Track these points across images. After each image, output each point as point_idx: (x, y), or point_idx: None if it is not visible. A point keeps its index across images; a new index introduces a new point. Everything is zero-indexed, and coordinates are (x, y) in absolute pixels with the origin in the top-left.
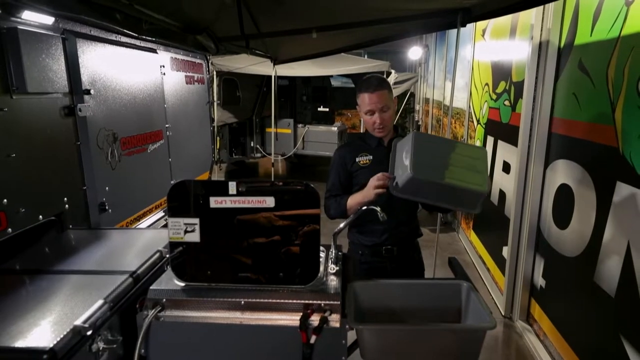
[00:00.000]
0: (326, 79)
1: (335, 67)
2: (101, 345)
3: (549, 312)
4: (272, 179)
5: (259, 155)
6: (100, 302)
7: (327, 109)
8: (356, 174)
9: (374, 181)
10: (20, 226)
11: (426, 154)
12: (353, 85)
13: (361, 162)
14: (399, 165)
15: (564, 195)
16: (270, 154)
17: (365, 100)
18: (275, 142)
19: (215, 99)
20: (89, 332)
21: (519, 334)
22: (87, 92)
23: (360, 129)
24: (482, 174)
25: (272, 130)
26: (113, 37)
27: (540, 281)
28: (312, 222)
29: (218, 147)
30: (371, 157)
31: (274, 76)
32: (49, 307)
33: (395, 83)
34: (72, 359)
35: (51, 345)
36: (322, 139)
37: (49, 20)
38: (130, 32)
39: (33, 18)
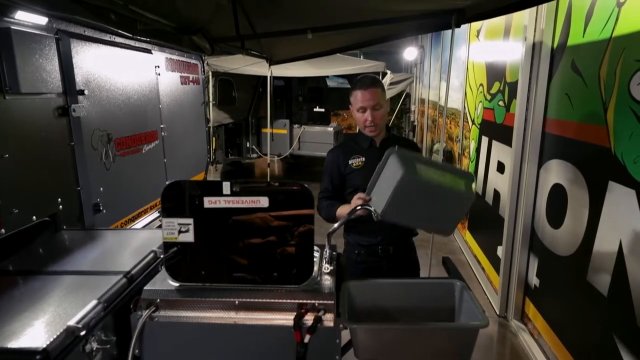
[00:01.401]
0: (322, 79)
1: (331, 68)
2: (95, 345)
3: (543, 311)
4: (268, 180)
5: (255, 155)
6: (94, 302)
7: (323, 110)
8: (349, 176)
9: (355, 202)
10: (14, 227)
11: (405, 198)
12: (349, 86)
13: (354, 165)
14: (378, 189)
15: (558, 195)
16: (266, 155)
17: (357, 97)
18: (271, 143)
19: (211, 99)
20: (83, 333)
21: (513, 333)
22: (81, 92)
23: (356, 129)
24: (458, 214)
25: (268, 130)
26: (107, 37)
27: (534, 280)
28: (307, 222)
29: (214, 147)
30: (363, 160)
31: (270, 77)
32: (43, 307)
33: (390, 83)
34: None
35: (44, 346)
36: (318, 139)
37: (42, 20)
38: (125, 33)
39: (26, 18)
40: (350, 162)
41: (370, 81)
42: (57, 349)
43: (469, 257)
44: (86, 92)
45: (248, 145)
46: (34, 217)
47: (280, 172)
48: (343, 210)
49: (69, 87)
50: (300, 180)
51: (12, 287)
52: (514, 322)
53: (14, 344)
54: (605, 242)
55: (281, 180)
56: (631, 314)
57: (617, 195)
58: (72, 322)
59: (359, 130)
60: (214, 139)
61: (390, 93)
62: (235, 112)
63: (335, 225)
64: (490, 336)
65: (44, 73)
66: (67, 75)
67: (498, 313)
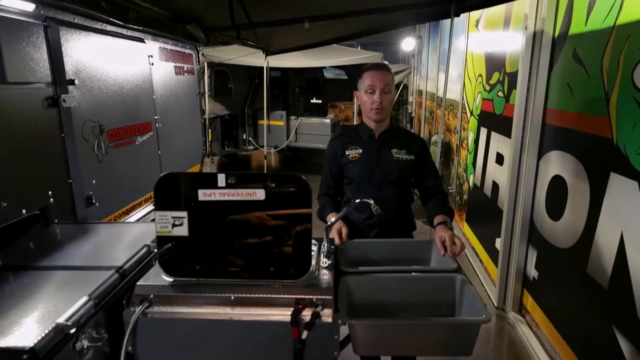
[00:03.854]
0: (319, 70)
1: (327, 59)
2: (85, 343)
3: (542, 303)
4: (265, 172)
5: (251, 147)
6: (84, 298)
7: (319, 101)
8: (346, 167)
9: (335, 231)
10: (3, 221)
11: None
12: (346, 77)
13: (350, 156)
14: None
15: (557, 187)
16: (262, 147)
17: (367, 78)
18: (268, 135)
19: (206, 90)
20: (73, 330)
21: (511, 325)
22: (72, 82)
23: (353, 121)
24: None
25: (265, 122)
26: (98, 25)
27: (533, 272)
28: (304, 221)
29: (210, 139)
30: (361, 151)
31: (266, 67)
32: (31, 304)
33: None
34: (54, 358)
35: (32, 345)
36: (315, 131)
37: (29, 7)
38: (116, 21)
39: (12, 4)
40: (347, 152)
41: (383, 65)
42: (46, 348)
43: (467, 249)
44: (77, 81)
45: (244, 137)
46: (24, 211)
47: (277, 164)
48: (331, 219)
49: (59, 76)
50: (297, 172)
51: (1, 283)
52: (512, 314)
53: (0, 343)
54: (606, 235)
55: (278, 172)
56: (632, 306)
57: (618, 187)
58: (61, 320)
59: (361, 120)
60: (209, 130)
61: None
62: (232, 103)
63: (333, 218)
64: (488, 328)
65: (31, 62)
66: (56, 65)
67: (496, 305)
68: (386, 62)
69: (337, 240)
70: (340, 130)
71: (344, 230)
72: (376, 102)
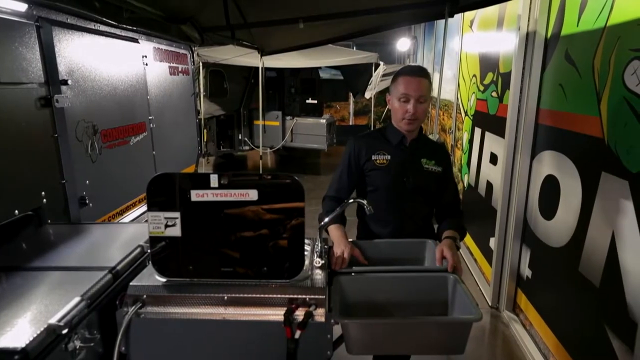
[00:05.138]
0: (315, 70)
1: (323, 59)
2: (78, 343)
3: (535, 302)
4: (260, 172)
5: (247, 148)
6: (76, 299)
7: (315, 101)
8: (370, 173)
9: (339, 257)
10: None
11: None
12: (342, 77)
13: (377, 162)
14: None
15: (550, 187)
16: (258, 147)
17: (402, 84)
18: (264, 135)
19: (201, 90)
20: (65, 331)
21: (505, 324)
22: (65, 82)
23: (349, 121)
24: None
25: (260, 122)
26: (92, 25)
27: (526, 271)
28: (297, 215)
29: (205, 139)
30: (389, 158)
31: (262, 68)
32: (24, 305)
33: (383, 75)
34: (46, 359)
35: (23, 345)
36: (310, 131)
37: (21, 7)
38: (110, 21)
39: (5, 4)
40: (373, 157)
41: (420, 70)
42: (37, 349)
43: (461, 248)
44: (70, 82)
45: (240, 138)
46: (17, 212)
47: (272, 164)
48: (332, 233)
49: (52, 76)
50: (292, 172)
51: None
52: (506, 313)
53: None
54: (598, 233)
55: (273, 172)
56: (623, 304)
57: (610, 186)
58: (53, 320)
59: (388, 123)
60: (205, 131)
61: (382, 85)
62: (227, 103)
63: (327, 219)
64: (482, 327)
65: (24, 62)
66: (49, 65)
67: (490, 304)
68: (424, 67)
69: (337, 265)
70: (335, 131)
71: (347, 252)
72: (409, 112)
